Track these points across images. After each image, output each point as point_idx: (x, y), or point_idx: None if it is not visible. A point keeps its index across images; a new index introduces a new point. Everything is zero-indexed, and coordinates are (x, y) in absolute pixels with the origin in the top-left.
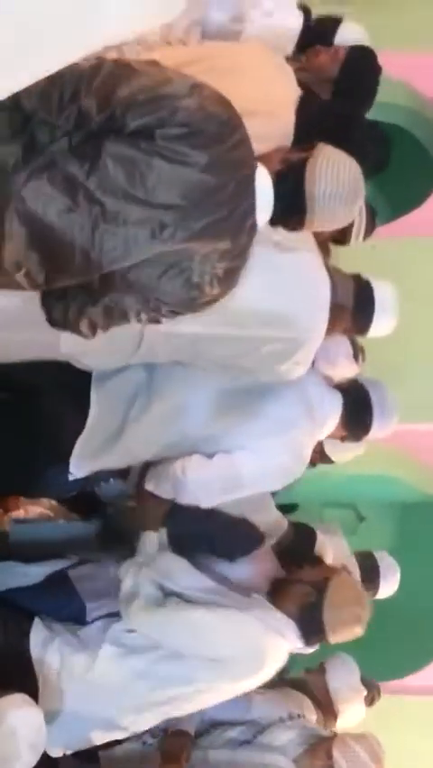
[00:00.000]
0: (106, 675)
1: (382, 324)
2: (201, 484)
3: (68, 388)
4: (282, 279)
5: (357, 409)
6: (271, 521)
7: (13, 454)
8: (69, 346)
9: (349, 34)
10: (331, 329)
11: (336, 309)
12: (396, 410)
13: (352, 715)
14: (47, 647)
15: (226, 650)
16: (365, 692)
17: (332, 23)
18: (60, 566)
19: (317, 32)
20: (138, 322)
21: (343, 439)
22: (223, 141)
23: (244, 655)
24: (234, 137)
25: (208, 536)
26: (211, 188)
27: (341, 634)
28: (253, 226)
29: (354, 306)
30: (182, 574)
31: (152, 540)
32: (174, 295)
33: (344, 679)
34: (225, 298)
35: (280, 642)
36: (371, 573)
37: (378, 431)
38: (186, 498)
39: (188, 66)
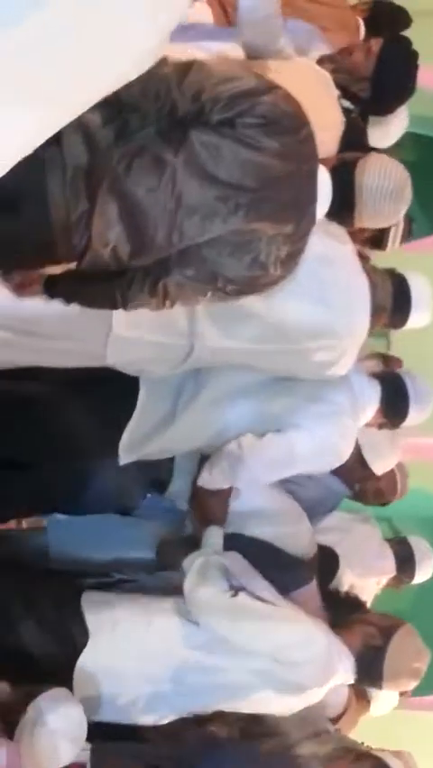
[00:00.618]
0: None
1: (417, 318)
2: (258, 458)
3: (113, 378)
4: (328, 293)
5: (394, 397)
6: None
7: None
8: (115, 357)
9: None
10: (371, 328)
11: (376, 311)
12: (431, 398)
13: (384, 701)
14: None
15: (295, 653)
16: None
17: None
18: None
19: None
20: (206, 301)
21: (381, 426)
22: (293, 134)
23: (311, 662)
24: (303, 131)
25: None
26: (281, 175)
27: (396, 684)
28: (314, 215)
29: (392, 305)
30: (248, 572)
31: (218, 533)
32: (240, 273)
33: None
34: (271, 313)
35: (337, 667)
36: (406, 560)
37: (415, 417)
38: (244, 477)
39: None
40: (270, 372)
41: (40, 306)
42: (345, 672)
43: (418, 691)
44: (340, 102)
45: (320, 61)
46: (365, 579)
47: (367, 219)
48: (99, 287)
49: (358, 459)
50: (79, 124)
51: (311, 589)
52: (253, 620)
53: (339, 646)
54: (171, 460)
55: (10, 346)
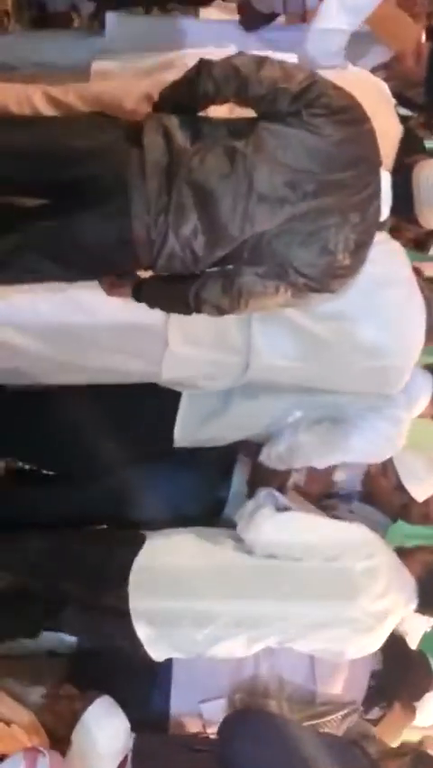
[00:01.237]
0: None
1: None
2: (314, 446)
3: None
4: (385, 316)
5: None
6: None
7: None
8: (170, 374)
9: None
10: (426, 345)
11: (430, 330)
12: None
13: (429, 716)
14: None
15: (349, 560)
16: None
17: None
18: None
19: None
20: (277, 301)
21: None
22: (356, 125)
23: (361, 558)
24: (363, 126)
25: None
26: (346, 162)
27: None
28: (378, 209)
29: None
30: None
31: (269, 490)
32: (311, 262)
33: None
34: (327, 332)
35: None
36: None
37: None
38: (299, 462)
39: None
40: (322, 390)
41: (91, 322)
42: (408, 599)
43: None
44: (397, 110)
45: (373, 70)
46: (417, 618)
47: (429, 218)
48: (175, 289)
49: (397, 486)
50: (160, 125)
51: None
52: (311, 523)
53: (402, 570)
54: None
55: (57, 363)
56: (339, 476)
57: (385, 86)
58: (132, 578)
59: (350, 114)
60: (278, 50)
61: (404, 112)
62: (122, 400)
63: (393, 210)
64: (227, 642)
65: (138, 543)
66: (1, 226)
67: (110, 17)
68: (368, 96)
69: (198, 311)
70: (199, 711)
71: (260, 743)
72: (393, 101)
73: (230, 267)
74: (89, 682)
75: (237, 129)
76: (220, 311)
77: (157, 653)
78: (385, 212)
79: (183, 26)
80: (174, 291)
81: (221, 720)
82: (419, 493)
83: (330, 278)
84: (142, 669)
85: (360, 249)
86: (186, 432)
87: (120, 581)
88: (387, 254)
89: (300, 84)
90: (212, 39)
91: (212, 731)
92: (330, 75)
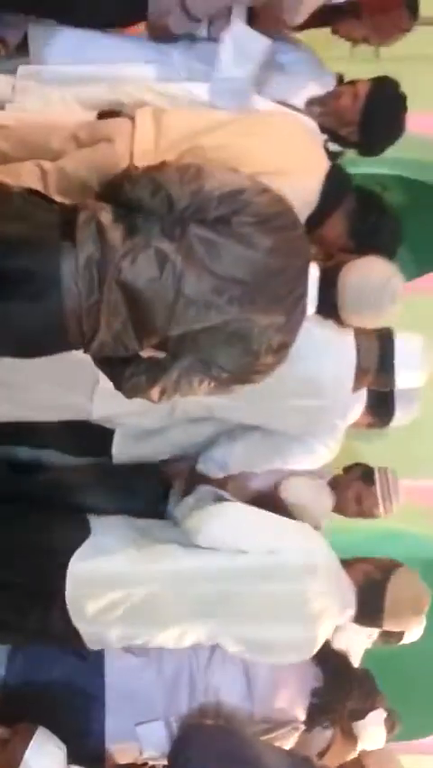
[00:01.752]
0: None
1: (406, 378)
2: (248, 452)
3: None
4: (317, 356)
5: (381, 395)
6: None
7: None
8: (101, 411)
9: None
10: (355, 389)
11: (360, 373)
12: (418, 398)
13: (372, 739)
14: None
15: (286, 543)
16: (386, 715)
17: None
18: None
19: None
20: (201, 391)
21: (369, 426)
22: (285, 231)
23: (301, 553)
24: (294, 231)
25: None
26: (273, 270)
27: (398, 618)
28: (305, 308)
29: (376, 368)
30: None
31: (207, 489)
32: (233, 360)
33: None
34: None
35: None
36: None
37: (401, 417)
38: (235, 468)
39: (222, 126)
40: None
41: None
42: (347, 599)
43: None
44: (327, 145)
45: (309, 103)
46: (357, 634)
47: (352, 318)
48: (108, 368)
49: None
50: (92, 218)
51: None
52: (252, 514)
53: (343, 577)
54: None
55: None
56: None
57: (312, 123)
58: (70, 567)
59: (280, 221)
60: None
61: (336, 148)
62: None
63: (319, 308)
64: (161, 634)
65: (83, 529)
66: None
67: (33, 30)
68: (295, 136)
69: (127, 396)
70: (136, 735)
71: (216, 754)
72: (322, 137)
73: (156, 359)
74: (19, 717)
75: (170, 230)
76: (150, 400)
77: (91, 640)
78: (311, 309)
79: (106, 41)
80: (108, 368)
81: (158, 743)
82: None
83: (251, 374)
84: (73, 697)
85: (284, 347)
86: (123, 448)
87: (60, 567)
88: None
89: (227, 191)
90: (133, 55)
91: (149, 755)
92: (259, 118)
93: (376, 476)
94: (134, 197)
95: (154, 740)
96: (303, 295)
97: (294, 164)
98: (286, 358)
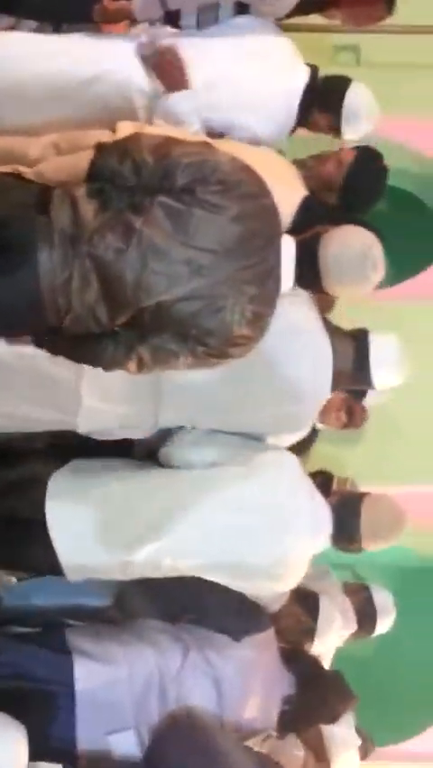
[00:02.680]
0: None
1: (383, 377)
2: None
3: None
4: (297, 363)
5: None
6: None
7: None
8: (87, 426)
9: (356, 97)
10: (333, 390)
11: (337, 375)
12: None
13: (345, 764)
14: None
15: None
16: (360, 742)
17: (340, 84)
18: None
19: (323, 93)
20: (180, 365)
21: (344, 426)
22: (252, 199)
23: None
24: (261, 200)
25: None
26: (240, 237)
27: (374, 537)
28: (279, 282)
29: (352, 368)
30: None
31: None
32: (209, 332)
33: (338, 726)
34: (236, 383)
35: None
36: (368, 615)
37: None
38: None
39: None
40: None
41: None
42: (323, 529)
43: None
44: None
45: (294, 162)
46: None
47: (335, 288)
48: (83, 348)
49: None
50: (66, 194)
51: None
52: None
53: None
54: None
55: None
56: None
57: (290, 162)
58: (49, 485)
59: (246, 188)
60: None
61: None
62: None
63: (301, 280)
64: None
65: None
66: None
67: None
68: (272, 164)
69: (105, 370)
70: (107, 743)
71: (192, 751)
72: (297, 174)
73: (133, 332)
74: None
75: (138, 203)
76: (129, 371)
77: (69, 562)
78: (288, 282)
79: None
80: (82, 349)
81: (129, 750)
82: None
83: (229, 346)
84: (43, 706)
85: (259, 319)
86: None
87: (38, 490)
88: (296, 304)
89: (194, 159)
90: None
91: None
92: (237, 145)
93: (334, 487)
94: (104, 166)
95: (125, 749)
96: (275, 266)
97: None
98: (264, 331)
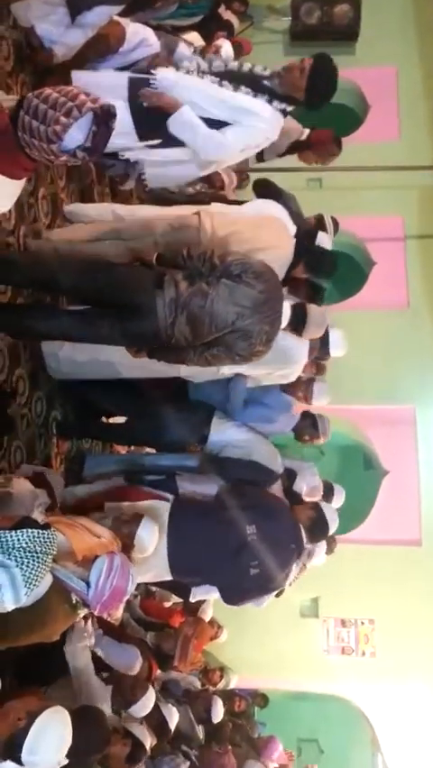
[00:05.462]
0: None
1: (335, 351)
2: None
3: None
4: (288, 341)
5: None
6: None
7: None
8: (186, 371)
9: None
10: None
11: (310, 350)
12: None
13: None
14: None
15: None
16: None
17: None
18: None
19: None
20: (226, 362)
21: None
22: (269, 281)
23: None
24: (274, 281)
25: None
26: (263, 301)
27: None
28: (280, 323)
29: (319, 346)
30: None
31: None
32: (243, 349)
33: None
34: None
35: None
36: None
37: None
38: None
39: (241, 222)
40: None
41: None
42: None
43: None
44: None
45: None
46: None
47: (310, 334)
48: (176, 354)
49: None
50: (172, 278)
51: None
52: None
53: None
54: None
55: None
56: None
57: (287, 224)
58: None
59: (267, 276)
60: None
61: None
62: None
63: (291, 324)
64: None
65: None
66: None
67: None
68: (279, 230)
69: (188, 366)
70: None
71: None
72: (291, 230)
73: (204, 346)
74: None
75: (209, 282)
76: (200, 366)
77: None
78: (284, 323)
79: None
80: (174, 355)
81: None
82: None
83: (253, 356)
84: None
85: (269, 342)
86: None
87: None
88: (289, 334)
89: (239, 260)
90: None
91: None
92: (259, 218)
93: None
94: (190, 264)
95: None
96: (280, 315)
97: (278, 243)
98: (271, 346)
